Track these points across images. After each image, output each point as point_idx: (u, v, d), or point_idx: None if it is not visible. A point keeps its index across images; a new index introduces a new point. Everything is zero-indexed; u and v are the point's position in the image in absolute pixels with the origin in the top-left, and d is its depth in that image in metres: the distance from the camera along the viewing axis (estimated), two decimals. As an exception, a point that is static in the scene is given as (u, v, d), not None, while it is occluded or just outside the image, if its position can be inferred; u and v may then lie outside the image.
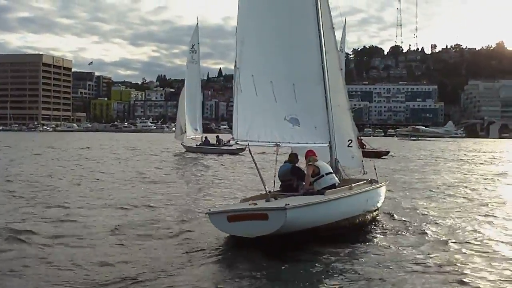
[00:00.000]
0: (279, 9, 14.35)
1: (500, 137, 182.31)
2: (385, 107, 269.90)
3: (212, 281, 9.46)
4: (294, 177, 13.99)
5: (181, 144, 54.33)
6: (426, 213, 16.44)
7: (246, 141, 13.35)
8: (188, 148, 53.08)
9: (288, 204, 11.25)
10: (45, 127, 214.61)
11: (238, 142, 13.44)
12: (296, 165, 14.38)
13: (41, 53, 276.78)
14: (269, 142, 13.86)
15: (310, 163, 13.54)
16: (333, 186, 13.34)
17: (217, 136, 55.91)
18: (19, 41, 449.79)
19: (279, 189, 14.07)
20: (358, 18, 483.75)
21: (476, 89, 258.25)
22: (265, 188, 12.89)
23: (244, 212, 11.60)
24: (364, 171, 16.36)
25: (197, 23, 56.26)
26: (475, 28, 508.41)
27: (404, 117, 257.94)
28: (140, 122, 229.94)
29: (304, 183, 13.59)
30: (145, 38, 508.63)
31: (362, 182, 15.02)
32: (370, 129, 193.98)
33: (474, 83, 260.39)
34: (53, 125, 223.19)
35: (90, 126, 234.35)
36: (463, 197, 20.81)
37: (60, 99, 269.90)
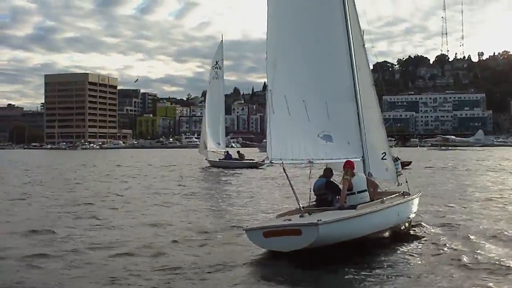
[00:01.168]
0: (308, 29, 14.76)
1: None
2: (431, 116, 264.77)
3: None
4: (328, 192, 14.18)
5: (206, 159, 55.16)
6: (455, 222, 16.61)
7: (280, 159, 13.75)
8: (212, 162, 53.81)
9: (320, 220, 11.59)
10: (92, 144, 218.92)
11: (272, 162, 13.87)
12: (331, 179, 14.55)
13: (87, 72, 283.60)
14: (303, 160, 14.34)
15: (347, 177, 13.72)
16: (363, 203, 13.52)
17: (238, 152, 57.44)
18: (67, 61, 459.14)
19: (314, 202, 14.34)
20: (402, 28, 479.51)
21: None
22: (298, 204, 13.35)
23: (278, 228, 12.03)
24: (398, 183, 16.48)
25: (222, 40, 58.12)
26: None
27: (451, 127, 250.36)
28: (185, 138, 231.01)
29: (339, 197, 13.82)
30: (189, 54, 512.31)
31: (395, 195, 15.17)
32: (417, 140, 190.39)
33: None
34: (100, 143, 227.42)
35: (136, 142, 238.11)
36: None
37: (106, 116, 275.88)
